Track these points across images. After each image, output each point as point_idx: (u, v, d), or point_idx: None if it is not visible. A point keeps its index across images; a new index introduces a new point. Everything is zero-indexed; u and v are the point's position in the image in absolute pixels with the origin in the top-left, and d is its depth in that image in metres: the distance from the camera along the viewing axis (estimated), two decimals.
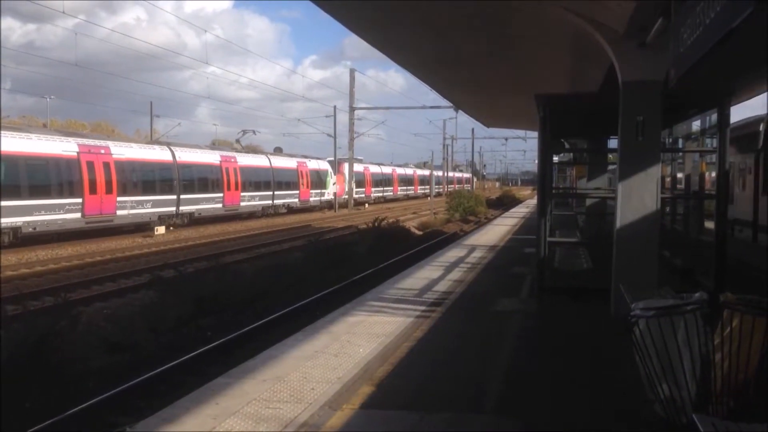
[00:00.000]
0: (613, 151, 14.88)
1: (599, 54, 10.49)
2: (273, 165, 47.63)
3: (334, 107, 61.24)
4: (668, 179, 16.56)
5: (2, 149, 25.23)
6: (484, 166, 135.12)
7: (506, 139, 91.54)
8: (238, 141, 52.18)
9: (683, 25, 6.02)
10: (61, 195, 28.31)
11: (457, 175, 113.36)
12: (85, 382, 9.23)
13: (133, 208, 32.52)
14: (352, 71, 58.38)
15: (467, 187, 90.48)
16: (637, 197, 9.51)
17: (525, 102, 18.33)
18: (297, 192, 51.68)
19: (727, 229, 10.49)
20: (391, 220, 33.34)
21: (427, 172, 63.99)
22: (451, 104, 35.61)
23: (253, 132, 55.43)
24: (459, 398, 6.42)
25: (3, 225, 25.04)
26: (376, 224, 28.70)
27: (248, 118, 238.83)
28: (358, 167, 64.27)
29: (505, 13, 10.90)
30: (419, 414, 5.94)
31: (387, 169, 77.00)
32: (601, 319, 9.60)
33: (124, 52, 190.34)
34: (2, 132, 25.99)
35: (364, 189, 66.71)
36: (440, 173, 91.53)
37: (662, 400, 4.78)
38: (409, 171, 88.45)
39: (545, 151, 11.99)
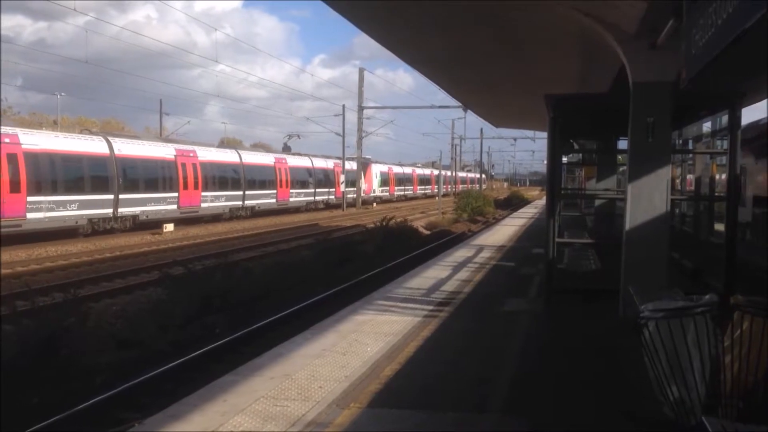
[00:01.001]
0: (622, 152, 14.84)
1: (609, 55, 10.46)
2: (314, 166, 52.57)
3: (343, 106, 61.42)
4: (678, 181, 16.50)
5: (122, 153, 32.18)
6: (493, 166, 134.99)
7: (515, 139, 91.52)
8: (286, 144, 57.43)
9: (695, 26, 5.99)
10: (164, 190, 34.96)
11: (468, 175, 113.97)
12: (93, 378, 9.27)
13: (212, 201, 39.13)
14: (361, 70, 58.50)
15: (476, 187, 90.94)
16: (647, 198, 9.46)
17: (534, 102, 18.28)
18: (333, 189, 57.84)
19: (737, 230, 10.41)
20: (398, 220, 33.28)
21: (443, 172, 65.30)
22: (460, 104, 35.55)
23: (298, 136, 59.88)
24: (466, 398, 6.41)
25: (124, 213, 31.90)
26: (383, 224, 28.67)
27: (257, 117, 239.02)
28: (383, 167, 72.10)
29: (515, 13, 10.88)
30: (426, 413, 5.94)
31: (408, 170, 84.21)
32: (610, 320, 9.56)
33: (134, 49, 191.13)
34: (120, 138, 33.89)
35: (388, 188, 72.93)
36: (448, 173, 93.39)
37: (671, 402, 4.76)
38: (426, 171, 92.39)
39: (554, 151, 11.95)
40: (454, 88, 22.69)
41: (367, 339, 8.47)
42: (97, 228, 30.19)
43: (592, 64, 14.17)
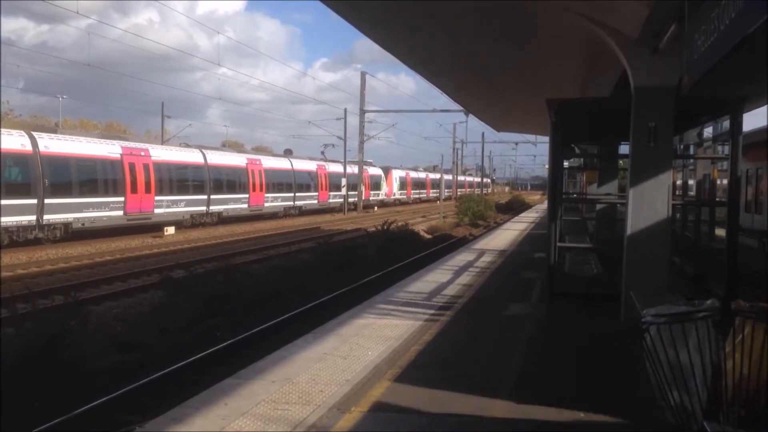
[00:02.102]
0: (624, 156, 14.86)
1: (611, 59, 10.47)
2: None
3: (345, 110, 61.47)
4: (679, 185, 16.51)
5: (213, 162, 39.46)
6: (494, 170, 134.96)
7: (516, 143, 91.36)
8: (323, 153, 60.46)
9: (697, 31, 6.00)
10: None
11: (468, 179, 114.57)
12: (94, 381, 9.26)
13: (272, 201, 46.68)
14: (363, 74, 58.65)
15: (477, 191, 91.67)
16: (649, 203, 9.47)
17: (536, 106, 18.30)
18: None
19: (738, 236, 10.41)
20: (400, 224, 33.27)
21: (445, 176, 67.28)
22: (462, 108, 35.58)
23: (333, 146, 61.32)
24: (468, 401, 6.41)
25: (212, 210, 38.65)
26: (384, 227, 28.67)
27: (258, 120, 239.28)
28: (401, 173, 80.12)
29: (517, 18, 10.89)
30: (429, 417, 5.94)
31: (422, 175, 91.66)
32: (611, 325, 9.56)
33: (136, 52, 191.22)
34: (210, 150, 41.38)
35: (405, 191, 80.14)
36: (460, 177, 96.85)
37: (673, 407, 4.75)
38: (437, 176, 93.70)
39: (556, 155, 11.97)
40: (456, 92, 22.70)
41: (369, 343, 8.47)
42: (195, 222, 37.82)
43: (594, 69, 14.18)
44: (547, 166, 17.82)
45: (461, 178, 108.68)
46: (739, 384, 4.44)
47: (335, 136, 61.91)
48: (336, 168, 58.85)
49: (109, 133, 46.51)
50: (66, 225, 28.58)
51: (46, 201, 27.29)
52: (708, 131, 14.39)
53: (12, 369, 8.73)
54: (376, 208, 63.88)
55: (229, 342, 11.52)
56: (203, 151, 40.73)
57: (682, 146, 15.60)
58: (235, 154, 46.57)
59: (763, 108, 15.45)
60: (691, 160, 16.17)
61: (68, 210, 28.57)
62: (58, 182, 28.26)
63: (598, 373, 7.57)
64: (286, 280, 17.47)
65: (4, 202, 24.95)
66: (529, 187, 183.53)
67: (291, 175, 49.79)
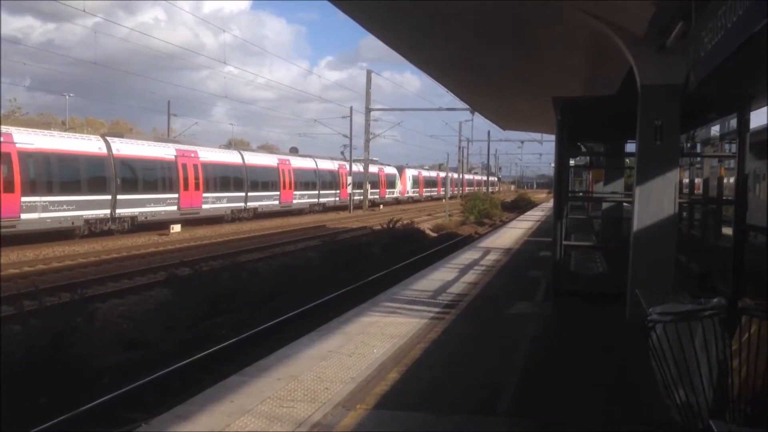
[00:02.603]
0: (630, 155, 14.81)
1: (618, 57, 10.44)
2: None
3: (350, 108, 61.59)
4: (686, 182, 16.44)
5: (250, 162, 43.81)
6: (500, 168, 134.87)
7: (522, 141, 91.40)
8: (342, 153, 62.61)
9: (704, 29, 5.98)
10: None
11: (476, 177, 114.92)
12: (100, 378, 9.29)
13: (300, 198, 50.14)
14: (368, 72, 58.73)
15: (485, 189, 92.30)
16: (655, 201, 9.43)
17: (542, 105, 18.26)
18: (378, 190, 66.67)
19: (745, 234, 10.37)
20: (405, 222, 33.25)
21: (451, 174, 68.83)
22: (468, 106, 35.53)
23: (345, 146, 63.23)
24: (472, 400, 6.41)
25: (250, 206, 43.40)
26: (390, 226, 28.67)
27: (264, 118, 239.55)
28: (414, 172, 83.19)
29: (523, 16, 10.86)
30: (433, 415, 5.94)
31: (433, 173, 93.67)
32: (617, 323, 9.54)
33: (142, 51, 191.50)
34: (247, 152, 47.70)
35: (417, 189, 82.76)
36: (466, 176, 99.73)
37: (679, 406, 4.75)
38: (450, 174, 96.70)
39: (562, 154, 11.94)
40: (462, 90, 22.65)
41: (374, 341, 8.47)
42: (234, 217, 41.24)
43: (601, 67, 14.14)
44: (553, 165, 17.80)
45: (468, 176, 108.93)
46: (746, 382, 4.43)
47: (341, 135, 62.08)
48: (355, 167, 60.79)
49: (162, 137, 51.06)
50: (133, 218, 32.27)
51: (118, 197, 31.18)
52: (715, 130, 14.34)
53: (19, 365, 8.78)
54: (381, 206, 64.02)
55: (234, 340, 11.54)
56: (241, 152, 45.51)
57: (689, 144, 15.55)
58: (268, 155, 50.74)
59: (763, 108, 15.37)
60: (699, 158, 16.10)
61: (135, 205, 32.37)
62: (127, 181, 32.02)
63: (604, 371, 7.56)
64: (291, 278, 17.48)
65: (86, 197, 29.19)
66: (535, 186, 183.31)
67: (316, 174, 53.71)
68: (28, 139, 26.87)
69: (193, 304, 13.63)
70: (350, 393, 6.41)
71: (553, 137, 17.04)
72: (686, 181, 17.19)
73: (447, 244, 27.96)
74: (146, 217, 33.05)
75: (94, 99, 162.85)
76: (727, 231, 11.69)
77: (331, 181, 56.58)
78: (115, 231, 30.58)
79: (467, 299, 11.74)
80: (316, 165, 54.27)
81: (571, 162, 18.58)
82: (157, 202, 33.93)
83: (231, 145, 60.40)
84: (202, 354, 10.58)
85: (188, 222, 36.15)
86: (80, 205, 28.73)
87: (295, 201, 49.46)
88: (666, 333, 4.65)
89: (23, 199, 25.87)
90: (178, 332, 12.16)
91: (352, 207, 56.53)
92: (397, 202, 72.59)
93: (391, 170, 73.02)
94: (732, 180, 12.21)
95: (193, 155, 37.61)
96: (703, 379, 4.58)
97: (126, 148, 32.51)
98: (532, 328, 9.62)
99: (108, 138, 32.13)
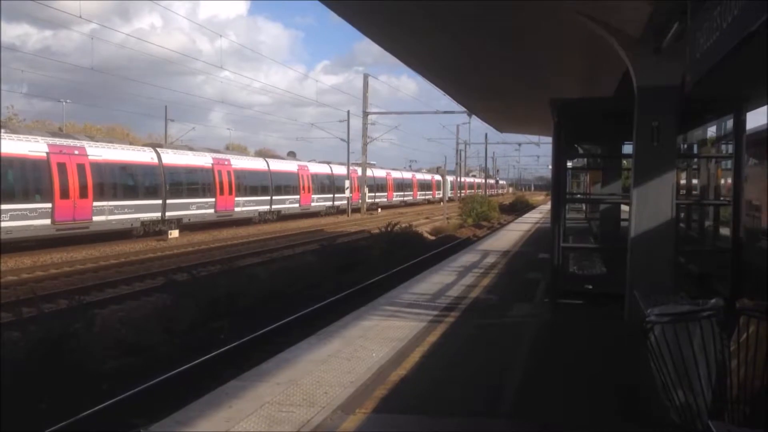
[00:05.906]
0: (628, 156, 14.82)
1: (614, 59, 10.45)
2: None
3: (348, 112, 61.64)
4: (683, 183, 16.44)
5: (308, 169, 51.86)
6: (498, 171, 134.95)
7: (519, 144, 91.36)
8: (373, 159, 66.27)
9: (700, 30, 5.99)
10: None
11: (475, 180, 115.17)
12: (99, 384, 9.28)
13: (317, 201, 54.00)
14: (365, 76, 58.76)
15: (487, 191, 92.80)
16: (653, 203, 9.44)
17: (539, 107, 18.26)
18: (386, 194, 70.79)
19: (742, 235, 10.38)
20: (403, 225, 33.24)
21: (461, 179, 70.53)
22: (465, 109, 35.57)
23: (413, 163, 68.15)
24: (472, 403, 6.40)
25: (274, 209, 47.11)
26: (388, 229, 28.66)
27: (261, 123, 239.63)
28: (407, 174, 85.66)
29: (519, 18, 10.88)
30: (433, 418, 5.93)
31: (427, 176, 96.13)
32: (615, 325, 9.54)
33: (139, 57, 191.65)
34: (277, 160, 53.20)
35: (431, 192, 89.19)
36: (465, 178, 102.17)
37: (677, 407, 4.75)
38: (451, 178, 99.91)
39: (559, 156, 11.94)
40: (459, 93, 22.68)
41: (373, 344, 8.47)
42: (261, 219, 44.94)
43: (597, 69, 14.17)
44: (550, 167, 17.80)
45: (469, 179, 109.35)
46: (744, 382, 4.43)
47: (338, 138, 62.32)
48: (320, 169, 62.69)
49: (198, 146, 52.88)
50: (179, 220, 35.97)
51: (168, 201, 35.05)
52: (712, 131, 14.34)
53: (19, 371, 8.77)
54: (379, 210, 64.02)
55: (233, 344, 11.52)
56: (266, 159, 50.21)
57: (686, 145, 15.56)
58: (290, 161, 55.77)
59: (762, 108, 15.37)
60: (696, 159, 16.10)
61: (181, 208, 36.36)
62: (174, 187, 35.99)
63: (603, 372, 7.55)
64: (289, 282, 17.48)
65: (142, 201, 33.09)
66: (532, 188, 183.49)
67: (330, 179, 57.49)
68: (98, 152, 30.70)
69: (192, 309, 13.61)
70: (350, 397, 6.40)
71: (550, 139, 17.05)
72: (683, 182, 17.20)
73: (445, 247, 27.95)
74: (190, 219, 37.00)
75: (90, 105, 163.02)
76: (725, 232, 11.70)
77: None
78: (164, 231, 33.65)
79: (466, 302, 11.74)
80: (331, 170, 57.99)
81: (569, 164, 18.54)
82: (198, 205, 37.96)
83: (228, 149, 60.50)
84: (201, 359, 10.57)
85: (223, 224, 40.35)
86: (138, 209, 32.66)
87: (313, 204, 53.48)
88: (664, 334, 4.66)
89: (95, 204, 29.72)
90: (177, 337, 12.14)
91: (350, 210, 56.65)
92: (405, 204, 76.78)
93: (403, 175, 79.90)
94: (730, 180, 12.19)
95: (226, 163, 41.58)
96: (702, 379, 4.58)
97: (172, 157, 36.55)
98: (531, 331, 9.61)
99: (158, 149, 36.00)
